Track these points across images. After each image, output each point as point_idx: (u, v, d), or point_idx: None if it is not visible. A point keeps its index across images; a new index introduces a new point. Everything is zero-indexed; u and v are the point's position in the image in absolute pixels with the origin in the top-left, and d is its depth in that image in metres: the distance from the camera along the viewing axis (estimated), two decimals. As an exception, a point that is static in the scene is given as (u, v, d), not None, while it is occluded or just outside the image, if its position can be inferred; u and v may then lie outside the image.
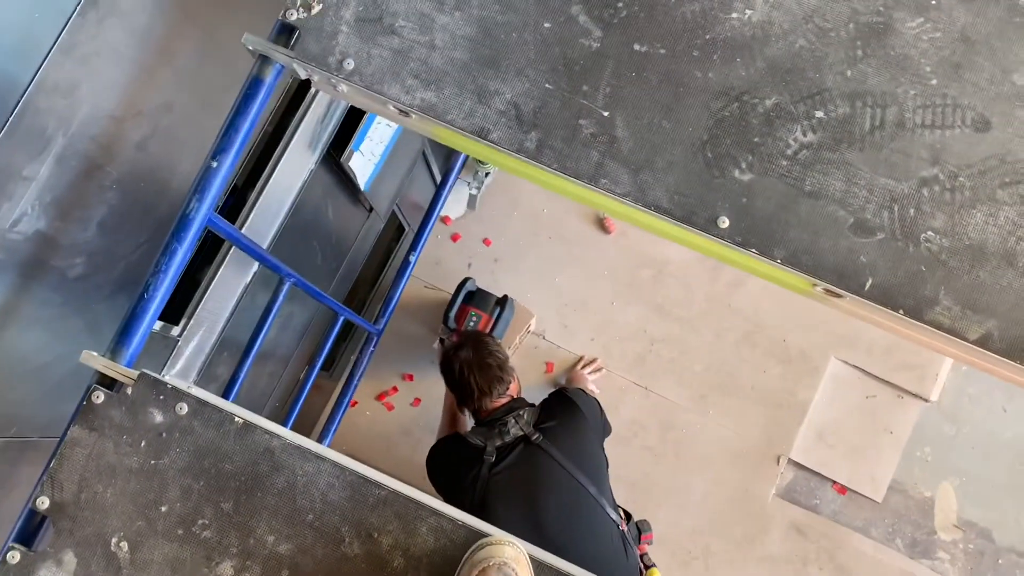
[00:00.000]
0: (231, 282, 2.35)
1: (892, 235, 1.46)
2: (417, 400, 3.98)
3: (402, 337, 3.98)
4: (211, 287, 2.27)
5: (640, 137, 1.49)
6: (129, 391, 1.50)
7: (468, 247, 4.09)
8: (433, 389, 3.92)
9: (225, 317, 2.40)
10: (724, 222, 1.47)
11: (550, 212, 4.18)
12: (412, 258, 3.53)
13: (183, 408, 1.50)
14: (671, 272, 4.08)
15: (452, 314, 3.38)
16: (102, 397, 1.50)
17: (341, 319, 2.77)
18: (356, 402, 3.94)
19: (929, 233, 1.46)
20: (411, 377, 4.00)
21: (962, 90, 1.48)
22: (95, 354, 1.50)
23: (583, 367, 3.70)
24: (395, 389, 3.98)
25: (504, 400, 2.47)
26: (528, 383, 3.85)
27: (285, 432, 1.50)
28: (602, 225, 4.17)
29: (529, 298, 4.03)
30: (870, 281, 1.45)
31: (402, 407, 3.97)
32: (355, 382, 3.44)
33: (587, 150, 1.50)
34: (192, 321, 2.26)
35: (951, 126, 1.47)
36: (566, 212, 4.16)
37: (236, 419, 1.49)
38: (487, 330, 3.31)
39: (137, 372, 1.51)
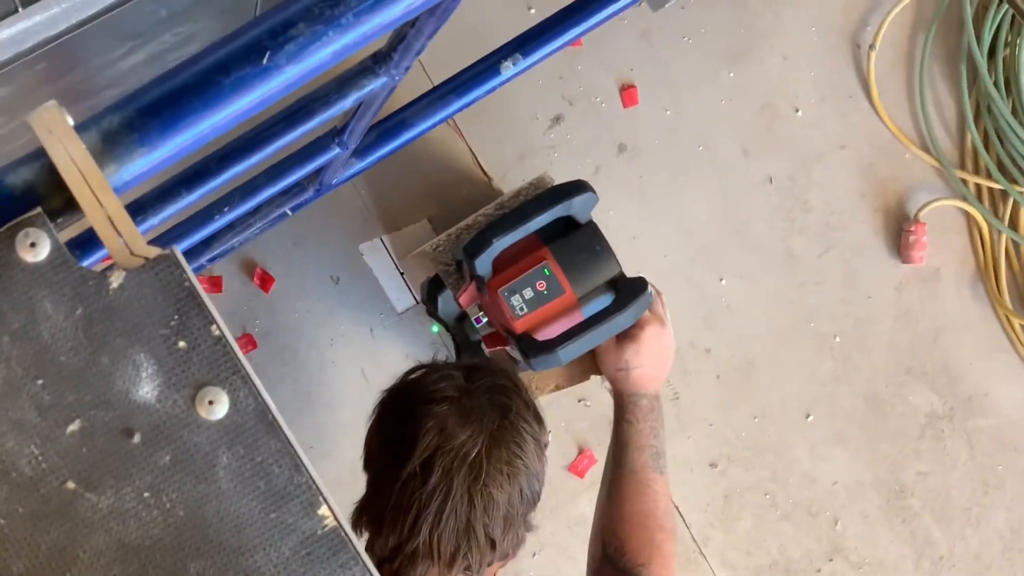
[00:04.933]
0: None
1: None
2: (267, 276, 1.71)
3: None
4: None
5: None
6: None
7: (584, 78, 1.76)
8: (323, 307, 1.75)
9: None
10: None
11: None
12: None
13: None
14: (976, 428, 1.83)
15: (497, 241, 1.44)
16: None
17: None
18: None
19: None
20: (264, 278, 1.74)
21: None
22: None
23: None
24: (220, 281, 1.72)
25: None
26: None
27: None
28: (903, 236, 1.85)
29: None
30: None
31: (240, 291, 1.71)
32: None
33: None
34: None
35: None
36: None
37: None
38: (556, 328, 1.44)
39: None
